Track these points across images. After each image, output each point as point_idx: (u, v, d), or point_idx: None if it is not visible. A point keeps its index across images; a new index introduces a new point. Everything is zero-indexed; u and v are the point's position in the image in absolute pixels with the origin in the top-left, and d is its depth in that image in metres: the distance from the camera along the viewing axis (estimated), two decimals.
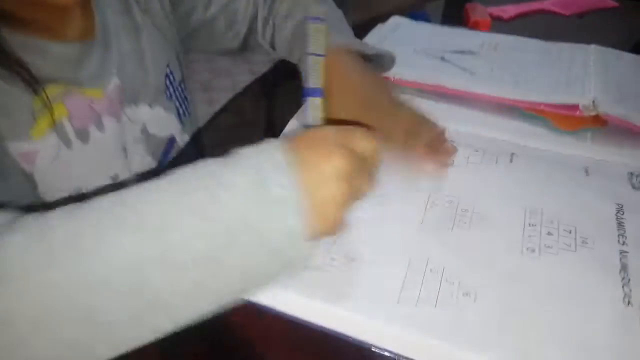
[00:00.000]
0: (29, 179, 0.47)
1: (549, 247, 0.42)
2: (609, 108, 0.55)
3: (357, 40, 0.61)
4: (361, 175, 0.34)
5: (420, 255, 0.41)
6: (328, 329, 0.37)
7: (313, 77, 0.38)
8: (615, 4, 0.97)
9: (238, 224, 0.29)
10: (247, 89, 0.71)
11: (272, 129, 0.64)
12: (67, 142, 0.49)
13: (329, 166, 0.32)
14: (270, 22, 0.66)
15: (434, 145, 0.51)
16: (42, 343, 0.28)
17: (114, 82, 0.53)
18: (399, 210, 0.46)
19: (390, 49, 0.68)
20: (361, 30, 0.75)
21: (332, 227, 0.33)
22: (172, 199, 0.30)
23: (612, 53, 0.69)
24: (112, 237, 0.29)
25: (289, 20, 0.63)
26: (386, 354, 0.36)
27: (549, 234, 0.43)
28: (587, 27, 0.89)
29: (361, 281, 0.40)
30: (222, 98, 0.67)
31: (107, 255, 0.28)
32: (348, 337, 0.36)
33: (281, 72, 0.74)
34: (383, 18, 0.81)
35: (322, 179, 0.32)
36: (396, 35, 0.76)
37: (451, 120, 0.57)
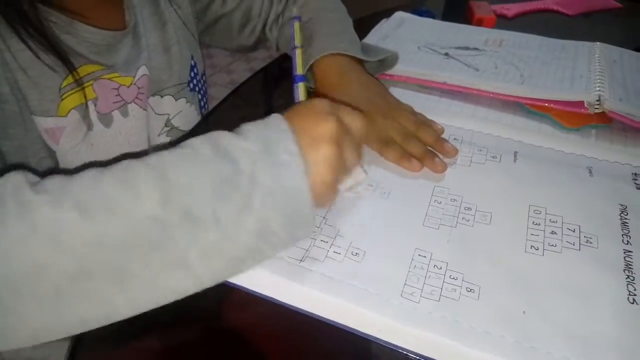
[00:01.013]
0: (52, 156, 0.49)
1: (552, 245, 0.42)
2: (614, 105, 0.54)
3: (358, 42, 0.62)
4: (348, 145, 0.37)
5: (423, 251, 0.41)
6: (329, 321, 0.37)
7: (297, 66, 0.45)
8: (619, 5, 0.97)
9: (252, 187, 0.32)
10: (246, 84, 0.71)
11: None
12: (89, 124, 0.50)
13: (320, 129, 0.35)
14: (280, 19, 0.66)
15: (435, 145, 0.51)
16: (76, 298, 0.29)
17: (142, 72, 0.54)
18: (402, 206, 0.46)
19: (393, 44, 0.68)
20: (365, 25, 0.75)
21: (325, 191, 0.36)
22: (196, 164, 0.32)
23: (617, 51, 0.68)
24: (137, 196, 0.30)
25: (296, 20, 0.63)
26: (389, 347, 0.35)
27: (553, 232, 0.43)
28: (590, 28, 0.89)
29: (364, 275, 0.39)
30: (220, 95, 0.68)
31: (131, 213, 0.30)
32: (350, 329, 0.36)
33: (280, 68, 0.74)
34: (387, 13, 0.80)
35: (314, 141, 0.35)
36: (400, 31, 0.75)
37: (455, 117, 0.57)
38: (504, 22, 0.86)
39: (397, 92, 0.59)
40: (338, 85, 0.55)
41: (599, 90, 0.56)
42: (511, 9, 0.89)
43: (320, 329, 0.37)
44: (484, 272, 0.39)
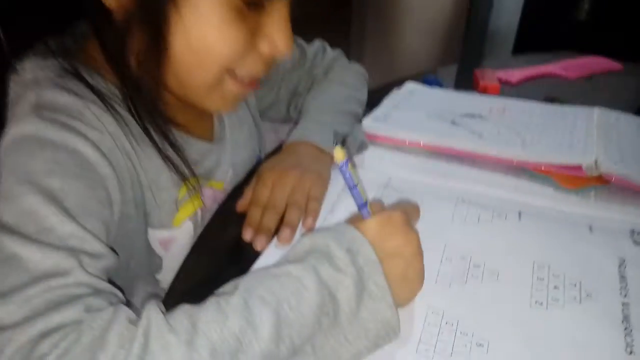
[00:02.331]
0: (154, 263, 0.52)
1: (555, 300, 0.45)
2: (611, 168, 0.58)
3: (324, 129, 0.63)
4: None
5: (436, 309, 0.44)
6: None
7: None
8: (620, 66, 1.02)
9: (351, 323, 0.38)
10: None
11: None
12: (197, 229, 0.55)
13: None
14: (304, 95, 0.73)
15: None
16: None
17: (230, 174, 0.60)
18: None
19: (404, 113, 0.74)
20: (378, 94, 0.81)
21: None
22: (303, 299, 0.36)
23: (613, 114, 0.73)
24: (256, 335, 0.33)
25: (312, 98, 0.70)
26: None
27: (556, 287, 0.46)
28: (592, 90, 0.93)
29: None
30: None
31: (251, 353, 0.33)
32: None
33: None
34: (398, 83, 0.87)
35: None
36: (410, 100, 0.82)
37: (462, 180, 0.61)
38: (508, 88, 0.92)
39: (409, 159, 0.64)
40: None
41: (596, 154, 0.60)
42: (515, 75, 0.95)
43: None
44: (493, 326, 0.42)
